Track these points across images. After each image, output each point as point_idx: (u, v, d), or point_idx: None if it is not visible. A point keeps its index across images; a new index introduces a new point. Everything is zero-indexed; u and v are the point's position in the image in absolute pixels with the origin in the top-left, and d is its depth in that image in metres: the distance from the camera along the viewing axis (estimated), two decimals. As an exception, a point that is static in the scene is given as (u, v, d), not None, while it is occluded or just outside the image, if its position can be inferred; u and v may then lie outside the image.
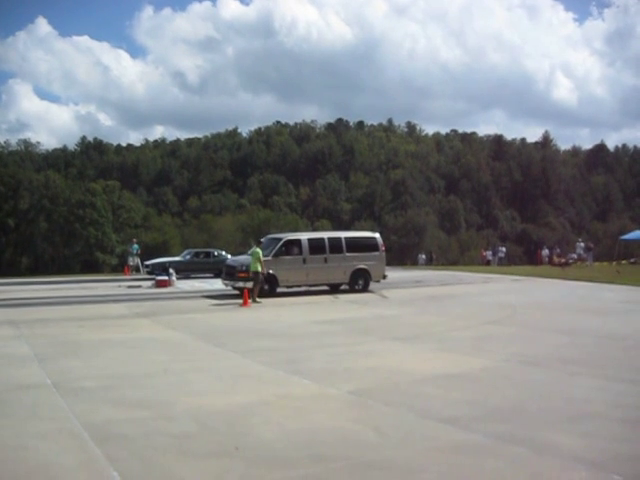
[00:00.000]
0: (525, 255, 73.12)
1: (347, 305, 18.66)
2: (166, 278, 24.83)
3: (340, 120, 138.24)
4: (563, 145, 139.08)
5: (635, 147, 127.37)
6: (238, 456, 5.68)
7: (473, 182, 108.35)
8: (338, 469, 5.36)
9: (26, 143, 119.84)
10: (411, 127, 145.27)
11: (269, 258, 19.83)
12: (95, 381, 8.79)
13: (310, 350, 11.03)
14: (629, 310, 17.02)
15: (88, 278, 33.64)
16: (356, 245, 21.95)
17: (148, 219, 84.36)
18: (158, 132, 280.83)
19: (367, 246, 22.16)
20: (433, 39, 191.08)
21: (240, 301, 18.34)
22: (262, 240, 21.35)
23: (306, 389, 8.24)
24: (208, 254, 32.54)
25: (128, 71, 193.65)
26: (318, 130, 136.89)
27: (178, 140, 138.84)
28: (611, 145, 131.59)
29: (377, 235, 23.23)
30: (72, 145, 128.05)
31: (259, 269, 18.93)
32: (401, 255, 64.36)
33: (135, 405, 7.45)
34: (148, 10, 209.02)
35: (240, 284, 19.96)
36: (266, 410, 7.21)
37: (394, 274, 25.99)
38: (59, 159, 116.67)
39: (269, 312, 17.15)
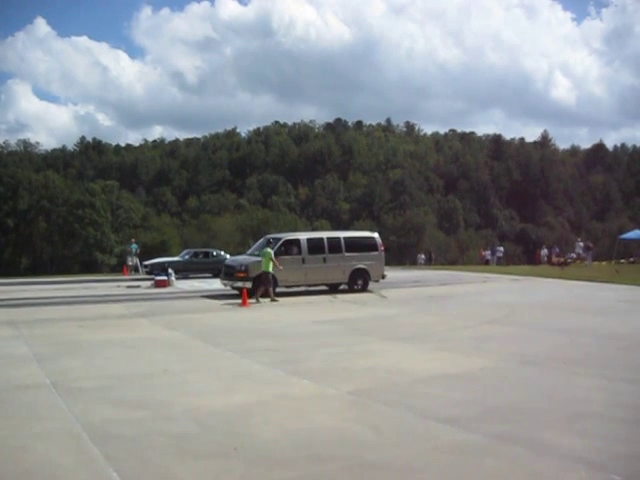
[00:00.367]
0: (524, 255, 73.13)
1: (346, 305, 18.66)
2: (165, 278, 24.83)
3: (339, 120, 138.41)
4: (562, 144, 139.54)
5: (634, 146, 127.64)
6: (237, 456, 5.67)
7: (472, 182, 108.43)
8: (337, 469, 5.36)
9: (25, 143, 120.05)
10: (410, 127, 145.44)
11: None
12: (94, 381, 8.78)
13: (309, 350, 11.02)
14: (628, 309, 17.03)
15: (87, 278, 33.62)
16: (355, 245, 21.95)
17: (147, 219, 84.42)
18: (157, 132, 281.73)
19: (366, 246, 22.16)
20: (431, 39, 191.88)
21: (239, 301, 18.34)
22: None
23: (305, 389, 8.23)
24: (207, 254, 32.57)
25: (127, 71, 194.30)
26: (317, 130, 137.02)
27: (177, 140, 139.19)
28: (610, 144, 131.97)
29: (376, 235, 23.22)
30: (71, 145, 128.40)
31: (270, 269, 18.94)
32: (400, 255, 64.35)
33: (134, 405, 7.44)
34: (146, 10, 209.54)
35: (239, 284, 19.96)
36: (265, 410, 7.21)
37: (393, 274, 26.00)
38: (58, 159, 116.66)
39: (268, 312, 17.15)
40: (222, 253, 32.63)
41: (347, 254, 21.39)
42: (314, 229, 73.06)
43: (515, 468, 5.38)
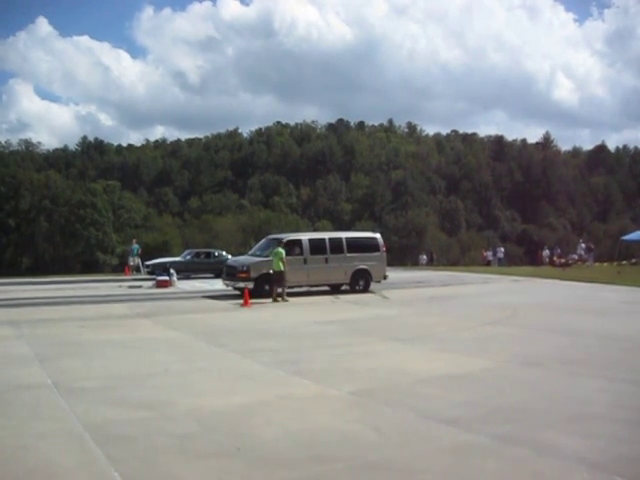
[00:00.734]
0: (526, 256, 73.02)
1: (348, 305, 18.66)
2: (167, 278, 24.84)
3: (341, 120, 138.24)
4: (564, 146, 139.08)
5: (636, 148, 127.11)
6: (239, 456, 5.68)
7: (474, 183, 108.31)
8: (339, 470, 5.36)
9: (27, 143, 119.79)
10: (412, 127, 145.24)
11: (270, 258, 19.82)
12: (96, 381, 8.79)
13: (311, 350, 11.02)
14: (630, 311, 17.02)
15: (89, 278, 33.66)
16: (357, 245, 21.96)
17: (149, 219, 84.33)
18: (159, 132, 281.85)
19: (368, 246, 22.17)
20: (433, 39, 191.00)
21: (241, 301, 18.35)
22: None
23: (307, 389, 8.23)
24: (209, 254, 32.58)
25: (128, 71, 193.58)
26: (319, 130, 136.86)
27: (179, 140, 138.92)
28: (612, 146, 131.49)
29: (378, 235, 23.22)
30: (73, 145, 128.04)
31: (282, 268, 19.00)
32: (402, 255, 64.24)
33: (136, 405, 7.44)
34: (148, 10, 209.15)
35: (241, 284, 19.99)
36: (267, 410, 7.21)
37: (395, 274, 25.99)
38: (60, 159, 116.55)
39: (270, 312, 17.17)
40: (224, 253, 32.62)
41: (349, 255, 21.40)
42: (316, 230, 72.95)
43: (517, 469, 5.38)
